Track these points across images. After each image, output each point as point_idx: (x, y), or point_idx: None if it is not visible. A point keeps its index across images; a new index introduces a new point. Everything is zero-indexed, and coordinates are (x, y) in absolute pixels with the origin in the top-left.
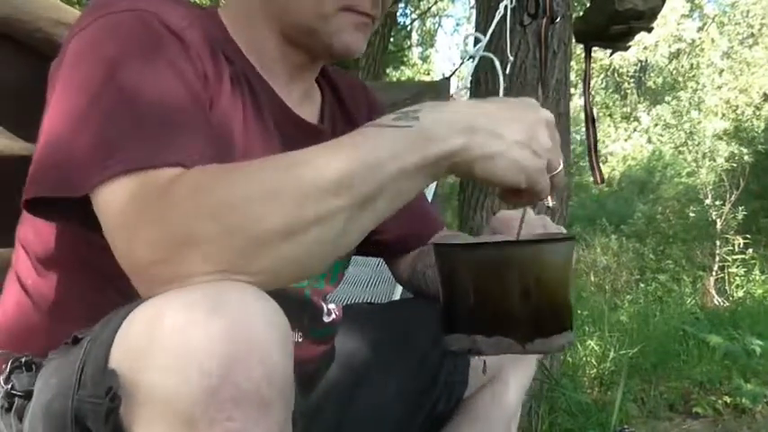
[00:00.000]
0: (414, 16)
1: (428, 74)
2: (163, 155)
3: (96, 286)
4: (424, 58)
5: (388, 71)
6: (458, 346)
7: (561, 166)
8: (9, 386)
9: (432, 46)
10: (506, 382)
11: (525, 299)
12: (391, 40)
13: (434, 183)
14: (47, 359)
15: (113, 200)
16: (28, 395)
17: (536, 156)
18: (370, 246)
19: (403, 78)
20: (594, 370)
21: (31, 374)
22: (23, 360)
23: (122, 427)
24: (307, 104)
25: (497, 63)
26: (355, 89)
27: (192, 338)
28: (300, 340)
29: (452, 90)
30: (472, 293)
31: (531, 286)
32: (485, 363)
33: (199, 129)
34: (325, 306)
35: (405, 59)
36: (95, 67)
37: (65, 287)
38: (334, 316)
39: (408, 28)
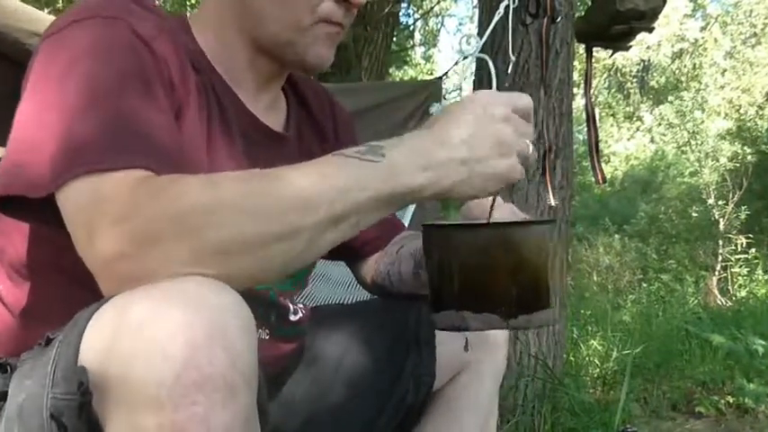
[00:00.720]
0: (416, 16)
1: (431, 73)
2: (128, 157)
3: (69, 288)
4: (427, 58)
5: (390, 71)
6: (447, 323)
7: (530, 147)
8: None
9: (434, 46)
10: (477, 372)
11: (512, 277)
12: (394, 39)
13: (413, 206)
14: (20, 361)
15: (77, 199)
16: (2, 396)
17: (504, 156)
18: (335, 250)
19: (406, 78)
20: (597, 370)
21: (5, 376)
22: None
23: (95, 419)
24: (273, 113)
25: (491, 64)
26: (319, 95)
27: (155, 329)
28: (267, 338)
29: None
30: (461, 273)
31: (516, 265)
32: (467, 340)
33: (164, 135)
34: (291, 306)
35: (407, 59)
36: (65, 69)
37: (38, 290)
38: (300, 315)
39: (411, 28)
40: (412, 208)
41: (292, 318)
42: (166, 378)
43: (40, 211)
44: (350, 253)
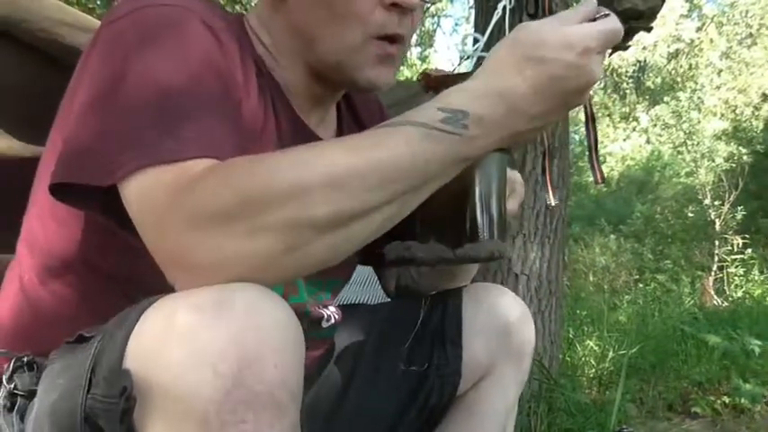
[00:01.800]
0: None
1: None
2: (194, 147)
3: (102, 289)
4: (423, 59)
5: None
6: (395, 254)
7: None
8: (12, 386)
9: (431, 46)
10: (501, 379)
11: (455, 205)
12: None
13: None
14: (49, 359)
15: (143, 191)
16: (30, 395)
17: (573, 104)
18: (365, 257)
19: (401, 78)
20: (593, 370)
21: (33, 374)
22: (26, 360)
23: (135, 426)
24: (325, 125)
25: None
26: (369, 103)
27: (205, 340)
28: None
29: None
30: None
31: (460, 192)
32: (423, 300)
33: (231, 123)
34: (324, 312)
35: (403, 60)
36: (129, 57)
37: (69, 289)
38: (333, 321)
39: None
40: None
41: (324, 324)
42: (216, 394)
43: (95, 199)
44: (378, 259)
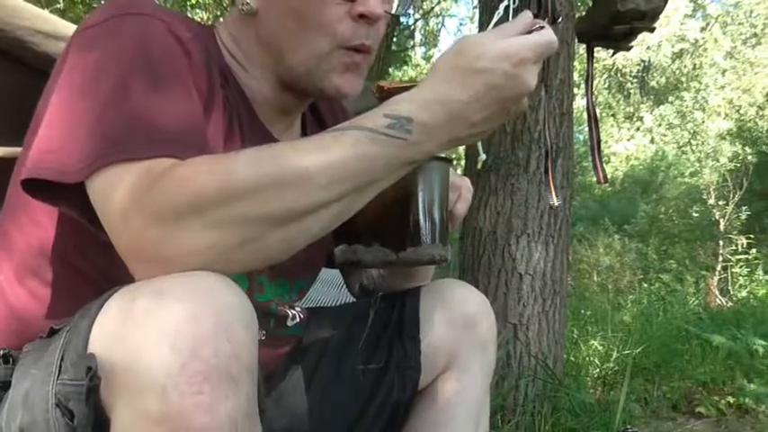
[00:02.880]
0: (417, 16)
1: None
2: (156, 147)
3: (79, 287)
4: (427, 58)
5: (390, 71)
6: (342, 258)
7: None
8: None
9: (435, 46)
10: (466, 369)
11: (399, 211)
12: (394, 39)
13: None
14: (23, 352)
15: (106, 187)
16: (5, 386)
17: (513, 113)
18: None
19: (405, 78)
20: (598, 370)
21: (8, 367)
22: (1, 353)
23: (102, 404)
24: (288, 134)
25: None
26: (335, 111)
27: (163, 320)
28: (263, 338)
29: None
30: None
31: (404, 199)
32: (376, 299)
33: (194, 128)
34: (290, 312)
35: (407, 59)
36: (100, 62)
37: (46, 288)
38: (298, 320)
39: (411, 27)
40: None
41: (290, 323)
42: (173, 368)
43: (67, 197)
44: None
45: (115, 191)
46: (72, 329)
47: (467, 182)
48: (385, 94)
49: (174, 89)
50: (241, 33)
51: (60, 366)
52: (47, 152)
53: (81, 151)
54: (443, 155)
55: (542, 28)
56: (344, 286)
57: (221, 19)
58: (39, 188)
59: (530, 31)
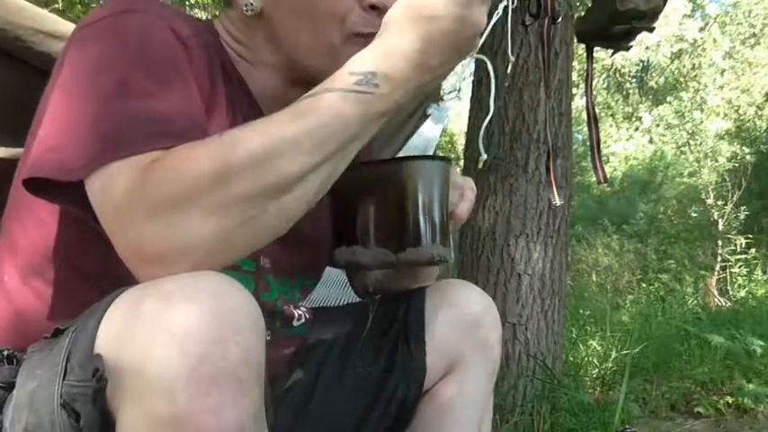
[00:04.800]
0: None
1: None
2: (155, 142)
3: (82, 286)
4: None
5: None
6: (341, 260)
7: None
8: None
9: None
10: (470, 370)
11: (397, 211)
12: None
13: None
14: (28, 353)
15: (103, 186)
16: (9, 387)
17: (465, 53)
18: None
19: None
20: (596, 370)
21: (12, 367)
22: (5, 353)
23: (108, 407)
24: None
25: (489, 65)
26: None
27: (172, 322)
28: (269, 338)
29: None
30: (346, 209)
31: (402, 198)
32: (375, 301)
33: (195, 126)
34: (295, 312)
35: None
36: (99, 61)
37: (50, 287)
38: (304, 320)
39: None
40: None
41: (296, 323)
42: (182, 371)
43: (70, 195)
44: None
45: (111, 190)
46: (78, 330)
47: (470, 182)
48: None
49: (173, 86)
50: (246, 33)
51: (66, 367)
52: (47, 150)
53: (81, 149)
54: (443, 154)
55: None
56: (347, 287)
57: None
58: (40, 187)
59: None
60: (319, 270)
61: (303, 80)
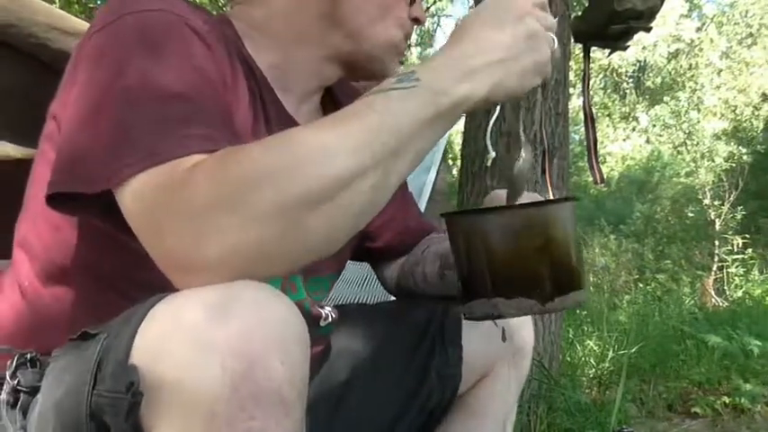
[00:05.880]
0: None
1: None
2: (182, 147)
3: (102, 291)
4: (423, 59)
5: None
6: (480, 312)
7: (555, 40)
8: (15, 382)
9: (431, 46)
10: (502, 379)
11: (541, 257)
12: None
13: (429, 189)
14: (52, 356)
15: (138, 196)
16: (33, 391)
17: (536, 50)
18: (362, 252)
19: None
20: (593, 370)
21: (36, 371)
22: (29, 356)
23: (141, 422)
24: (311, 120)
25: None
26: (351, 94)
27: (213, 336)
28: None
29: None
30: (489, 258)
31: (545, 245)
32: (503, 330)
33: (222, 125)
34: (322, 312)
35: (403, 60)
36: (118, 64)
37: (69, 292)
38: (330, 319)
39: None
40: (428, 192)
41: (323, 323)
42: (224, 391)
43: (91, 207)
44: (375, 255)
45: (145, 199)
46: (111, 336)
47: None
48: None
49: (198, 87)
50: (288, 11)
51: (96, 376)
52: (72, 162)
53: (108, 160)
54: (571, 194)
55: None
56: (369, 283)
57: (226, 7)
58: (63, 200)
59: None
60: (343, 265)
61: (350, 61)
